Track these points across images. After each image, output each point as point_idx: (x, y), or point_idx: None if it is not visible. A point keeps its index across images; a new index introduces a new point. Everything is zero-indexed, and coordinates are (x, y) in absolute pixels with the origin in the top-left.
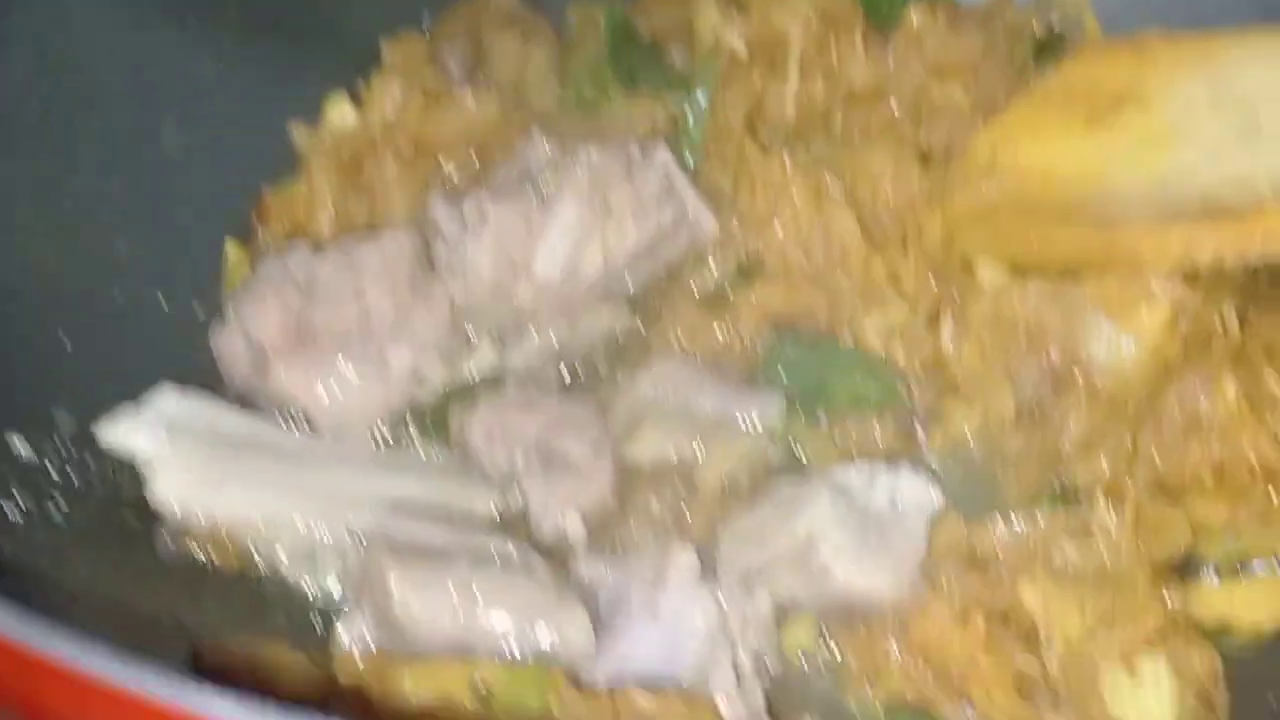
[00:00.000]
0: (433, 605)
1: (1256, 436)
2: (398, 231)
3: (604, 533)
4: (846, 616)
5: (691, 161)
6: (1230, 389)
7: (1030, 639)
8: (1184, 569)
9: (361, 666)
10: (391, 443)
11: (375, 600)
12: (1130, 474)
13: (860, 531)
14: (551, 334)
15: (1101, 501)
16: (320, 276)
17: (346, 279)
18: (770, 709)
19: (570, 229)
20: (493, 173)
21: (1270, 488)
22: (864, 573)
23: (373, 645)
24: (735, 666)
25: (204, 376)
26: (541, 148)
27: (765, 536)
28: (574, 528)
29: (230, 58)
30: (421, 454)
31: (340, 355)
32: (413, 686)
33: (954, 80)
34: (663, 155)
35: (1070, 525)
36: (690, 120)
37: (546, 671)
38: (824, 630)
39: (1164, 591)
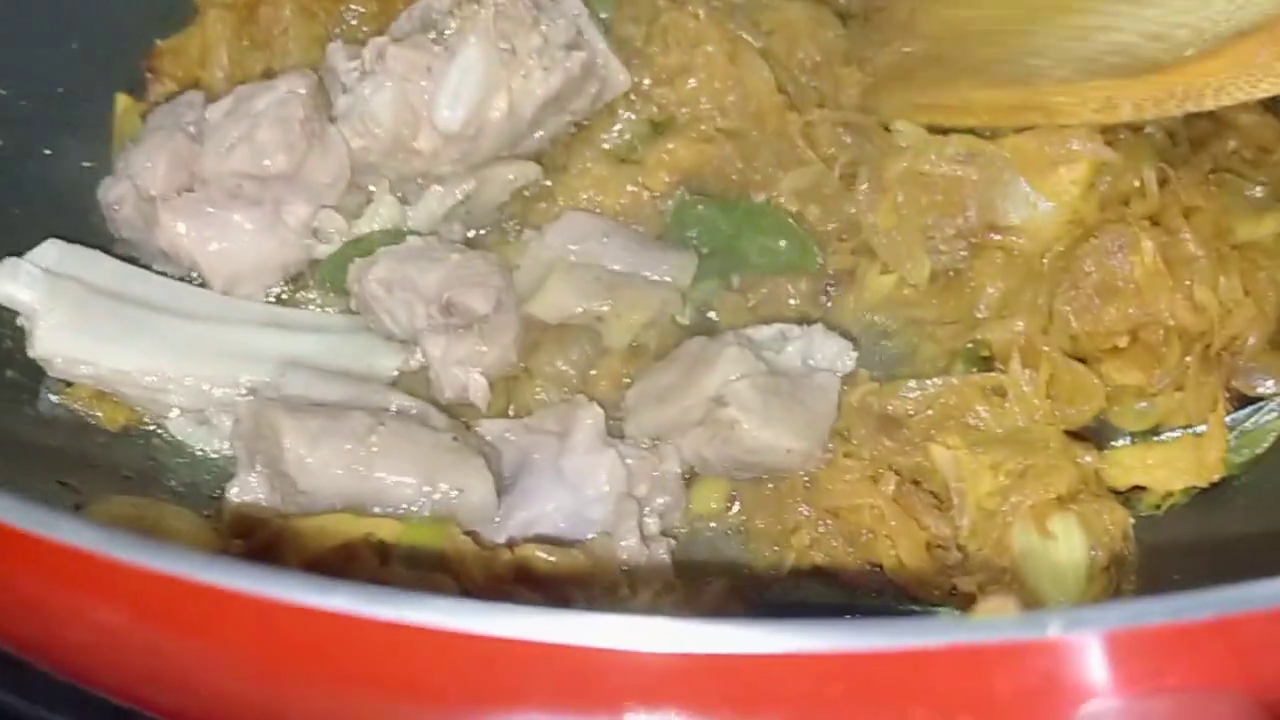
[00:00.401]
0: (327, 459)
1: (1173, 298)
2: (292, 76)
3: (509, 391)
4: (756, 477)
5: (603, 11)
6: (1148, 250)
7: (942, 501)
8: (1098, 433)
9: (254, 522)
10: (288, 299)
11: (268, 455)
12: (1045, 336)
13: (771, 390)
14: (456, 189)
15: (1016, 363)
16: (212, 123)
17: (239, 126)
18: (677, 570)
19: (474, 75)
20: (395, 17)
21: (1185, 352)
22: (773, 431)
23: (265, 502)
24: (641, 527)
25: (94, 233)
26: None
27: (674, 395)
28: (476, 387)
29: None
30: (320, 312)
31: (232, 205)
32: (305, 542)
33: None
34: (573, 1)
35: (984, 387)
36: None
37: (445, 526)
38: (733, 491)
39: (1077, 452)
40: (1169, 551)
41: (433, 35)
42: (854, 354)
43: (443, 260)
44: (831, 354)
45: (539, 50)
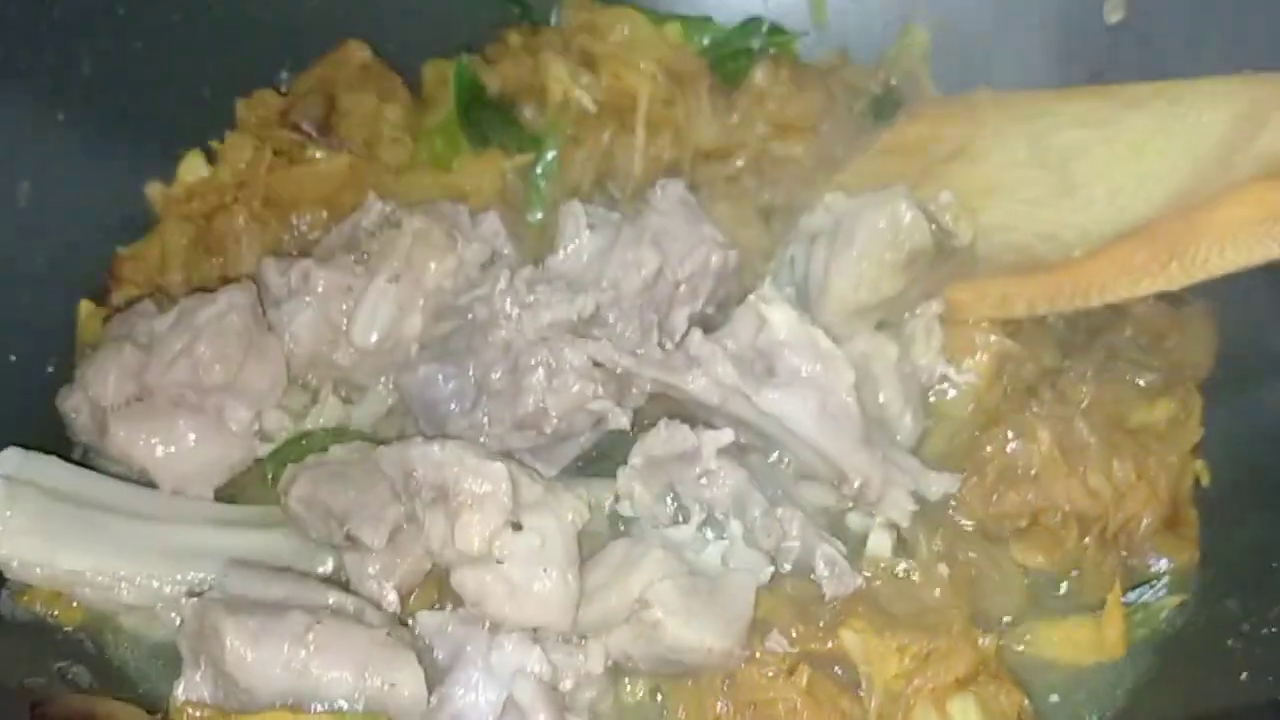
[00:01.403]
0: (266, 657)
1: (1069, 484)
2: (232, 289)
3: (439, 584)
4: (678, 672)
5: (540, 216)
6: (1044, 439)
7: (852, 685)
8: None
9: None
10: (237, 494)
11: (211, 654)
12: (951, 520)
13: (691, 590)
14: (384, 388)
15: (924, 547)
16: (158, 335)
17: (182, 338)
18: None
19: (389, 297)
20: (327, 235)
21: (1083, 534)
22: (695, 631)
23: (209, 699)
24: None
25: (56, 434)
26: (374, 212)
27: (600, 595)
28: (389, 601)
29: (84, 118)
30: (263, 509)
31: (176, 413)
32: None
33: (795, 137)
34: (491, 224)
35: (893, 569)
36: (539, 176)
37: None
38: (658, 686)
39: (977, 635)
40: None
41: (354, 256)
42: (771, 568)
43: (351, 483)
44: (751, 563)
45: (452, 272)
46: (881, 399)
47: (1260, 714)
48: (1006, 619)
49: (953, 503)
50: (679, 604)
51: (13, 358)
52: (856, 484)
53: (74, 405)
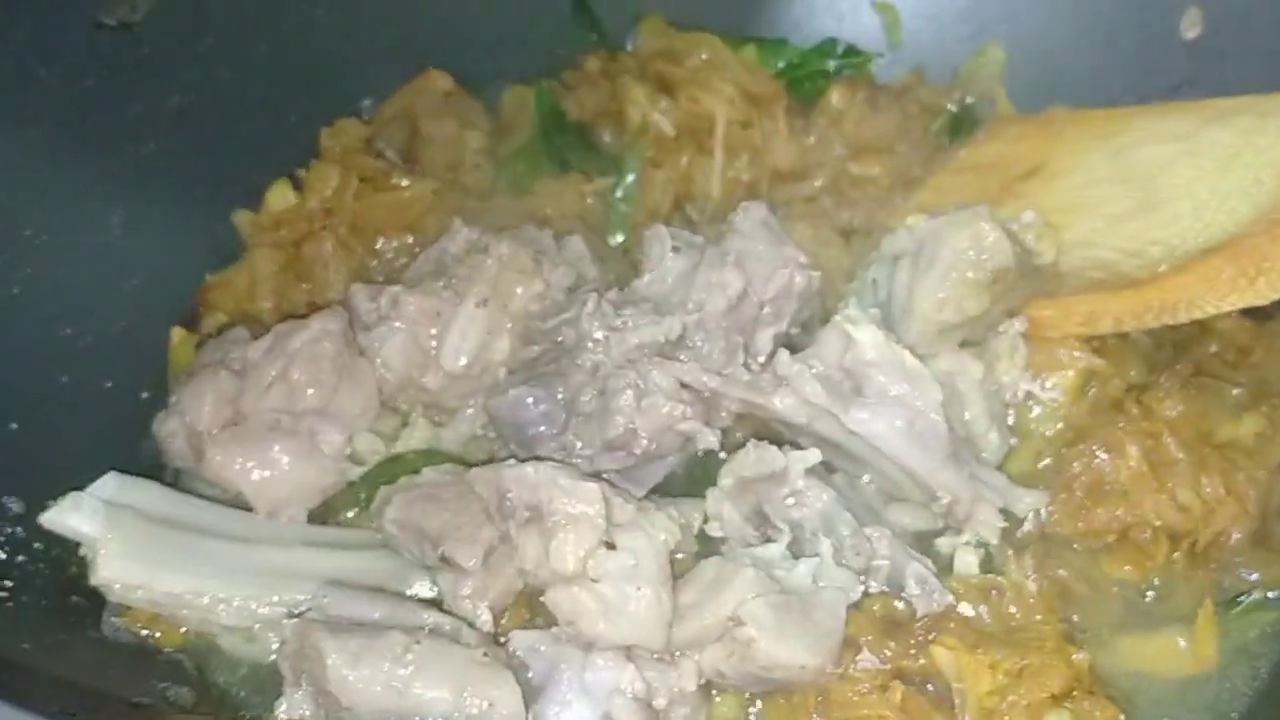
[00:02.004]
0: (366, 677)
1: (1158, 499)
2: (325, 315)
3: (531, 603)
4: (770, 689)
5: (621, 239)
6: (1133, 454)
7: (944, 702)
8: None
9: None
10: (328, 520)
11: (312, 674)
12: (1042, 536)
13: (783, 608)
14: (473, 411)
15: (1013, 563)
16: (252, 361)
17: (276, 364)
18: None
19: (477, 323)
20: (414, 261)
21: (1172, 549)
22: (788, 648)
23: (310, 717)
24: None
25: (151, 460)
26: (460, 238)
27: (692, 614)
28: (483, 620)
29: (174, 148)
30: (357, 531)
31: (271, 438)
32: None
33: (872, 157)
34: (576, 248)
35: (984, 586)
36: (620, 200)
37: None
38: (750, 702)
39: (1070, 650)
40: None
41: (443, 282)
42: (861, 587)
43: (445, 505)
44: (841, 581)
45: (538, 297)
46: (967, 417)
47: None
48: (1100, 634)
49: (1042, 519)
50: (771, 621)
51: (108, 384)
52: (945, 501)
53: (170, 430)
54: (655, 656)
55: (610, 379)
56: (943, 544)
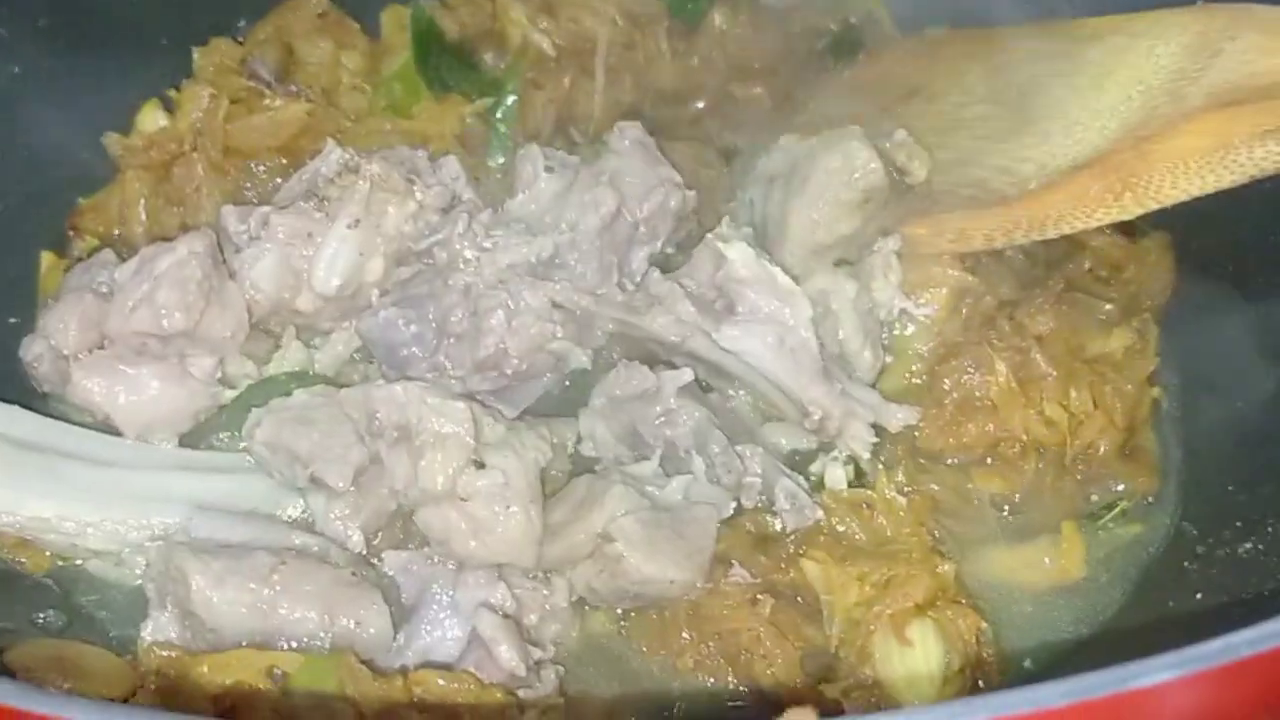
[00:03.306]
0: (231, 598)
1: (1026, 414)
2: (191, 237)
3: (405, 524)
4: (642, 605)
5: (501, 160)
6: (1001, 370)
7: (813, 614)
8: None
9: (165, 660)
10: (199, 444)
11: (177, 596)
12: (913, 451)
13: (654, 524)
14: (347, 333)
15: (884, 478)
16: (119, 283)
17: (142, 287)
18: (564, 689)
19: (349, 243)
20: (286, 183)
21: (1040, 462)
22: (657, 564)
23: (176, 640)
24: (528, 653)
25: (20, 385)
26: (333, 159)
27: (563, 531)
28: (354, 541)
29: (41, 70)
30: (228, 454)
31: (139, 361)
32: (212, 677)
33: (755, 79)
34: (451, 169)
35: (855, 502)
36: (500, 120)
37: (342, 657)
38: (622, 618)
39: (935, 561)
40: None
41: (314, 203)
42: (733, 504)
43: (315, 426)
44: (713, 498)
45: (412, 216)
46: (840, 335)
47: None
48: (969, 546)
49: (914, 435)
50: (641, 537)
51: None
52: (816, 417)
53: (36, 354)
54: (527, 574)
55: (481, 299)
56: (817, 465)
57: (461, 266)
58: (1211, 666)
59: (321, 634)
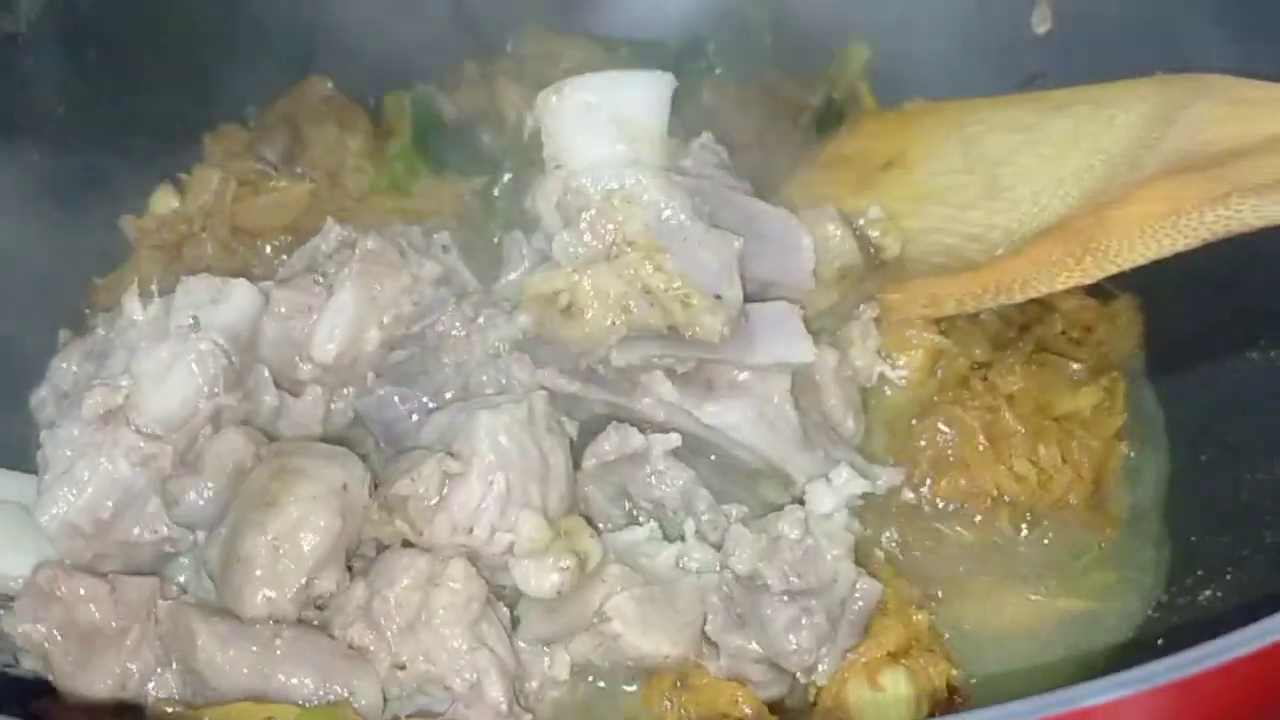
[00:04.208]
0: (235, 659)
1: (996, 470)
2: None
3: None
4: (634, 672)
5: (498, 236)
6: (973, 429)
7: None
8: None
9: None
10: None
11: (182, 653)
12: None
13: (646, 600)
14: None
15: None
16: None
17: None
18: None
19: (346, 314)
20: (289, 260)
21: (1010, 517)
22: (652, 640)
23: (178, 696)
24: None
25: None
26: (332, 235)
27: (562, 607)
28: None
29: (59, 156)
30: None
31: None
32: None
33: (742, 152)
34: (443, 244)
35: None
36: (498, 197)
37: (339, 709)
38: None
39: (910, 613)
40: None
41: (314, 278)
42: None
43: None
44: (704, 559)
45: (405, 288)
46: (824, 405)
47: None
48: (944, 594)
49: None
50: (637, 616)
51: None
52: (801, 483)
53: (39, 399)
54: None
55: (472, 375)
56: None
57: (451, 344)
58: (1159, 684)
59: (315, 700)
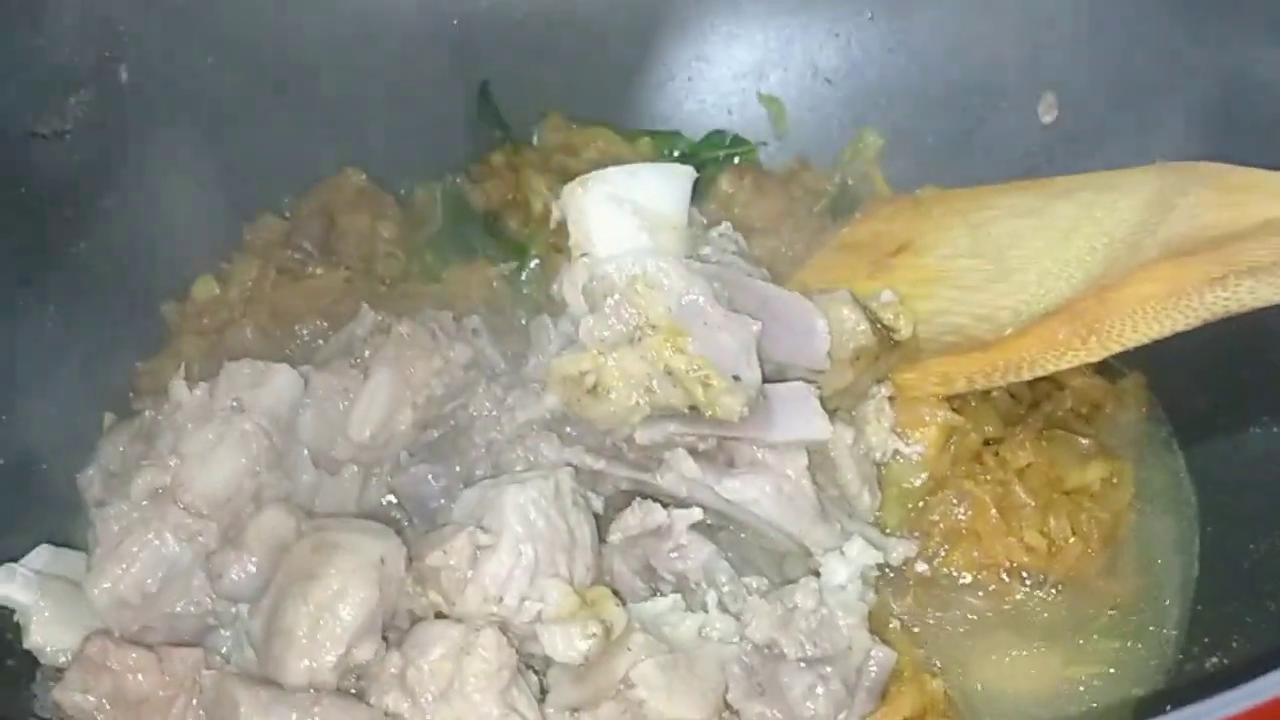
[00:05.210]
0: None
1: (1008, 542)
2: None
3: None
4: None
5: (526, 320)
6: (985, 504)
7: None
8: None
9: None
10: None
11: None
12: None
13: (670, 667)
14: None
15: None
16: None
17: None
18: None
19: (380, 395)
20: (325, 344)
21: (1023, 584)
22: (676, 707)
23: None
24: None
25: (84, 535)
26: (367, 321)
27: (588, 675)
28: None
29: (106, 245)
30: None
31: None
32: None
33: (759, 238)
34: (473, 325)
35: None
36: (525, 283)
37: None
38: None
39: (926, 679)
40: None
41: (350, 361)
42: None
43: None
44: (726, 629)
45: (438, 372)
46: (841, 480)
47: None
48: (958, 659)
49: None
50: (661, 682)
51: (44, 466)
52: (819, 556)
53: (88, 478)
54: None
55: (502, 454)
56: None
57: (482, 424)
58: None
59: None
